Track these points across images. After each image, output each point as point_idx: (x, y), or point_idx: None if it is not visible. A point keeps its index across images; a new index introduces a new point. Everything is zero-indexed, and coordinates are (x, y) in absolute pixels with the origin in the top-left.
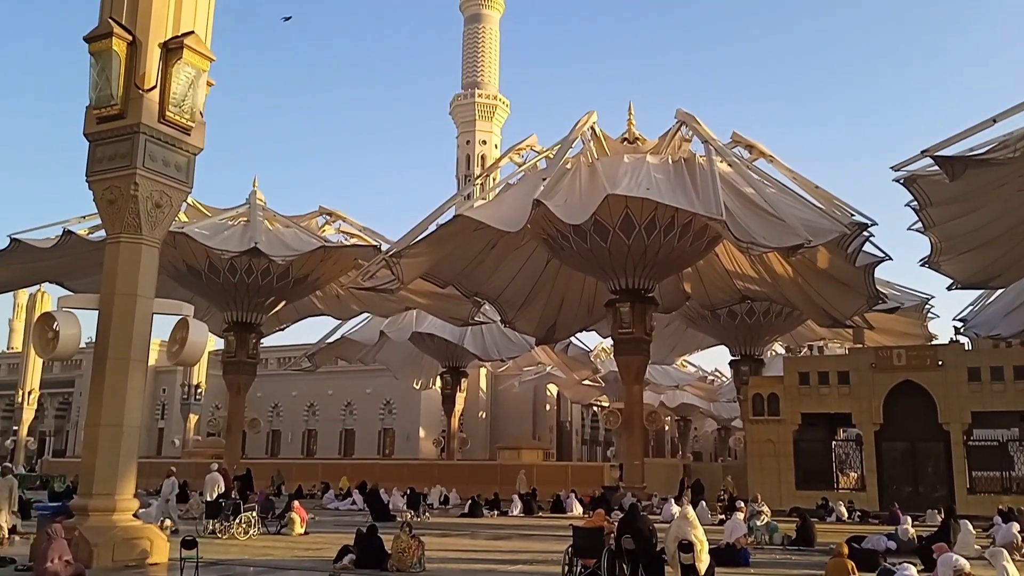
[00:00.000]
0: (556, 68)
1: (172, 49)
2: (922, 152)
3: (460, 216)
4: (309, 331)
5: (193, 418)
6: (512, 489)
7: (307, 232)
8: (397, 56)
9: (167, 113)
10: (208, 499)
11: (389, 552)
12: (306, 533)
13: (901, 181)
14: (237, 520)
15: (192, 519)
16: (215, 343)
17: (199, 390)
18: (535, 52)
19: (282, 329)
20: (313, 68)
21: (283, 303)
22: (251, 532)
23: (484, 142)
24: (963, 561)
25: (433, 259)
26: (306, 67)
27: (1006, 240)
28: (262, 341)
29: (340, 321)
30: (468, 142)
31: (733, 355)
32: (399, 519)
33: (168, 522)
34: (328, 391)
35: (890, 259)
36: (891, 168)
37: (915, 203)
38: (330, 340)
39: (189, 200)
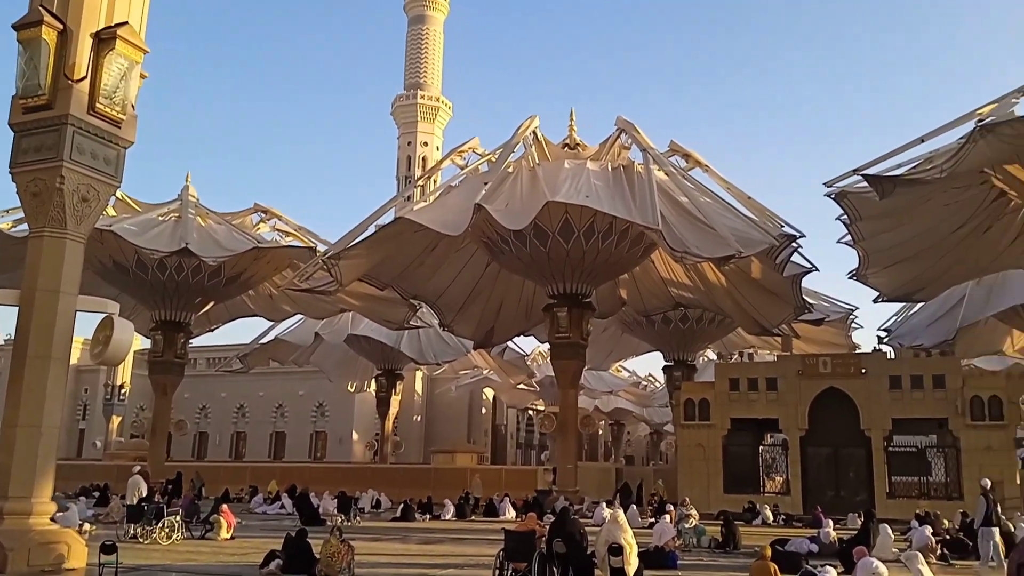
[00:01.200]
0: (499, 72)
1: (104, 40)
2: (854, 171)
3: (401, 218)
4: (241, 331)
5: (116, 419)
6: (446, 493)
7: (241, 231)
8: (339, 54)
9: (97, 105)
10: (130, 503)
11: (318, 557)
12: (232, 538)
13: (832, 196)
14: (160, 524)
15: (113, 523)
16: (141, 342)
17: (123, 390)
18: (478, 55)
19: (212, 330)
20: (253, 63)
21: (213, 303)
22: (174, 537)
23: (426, 144)
24: (881, 567)
25: (372, 261)
26: (246, 62)
27: (930, 254)
28: (191, 341)
29: (273, 322)
30: (409, 143)
31: (667, 361)
32: (329, 523)
33: (88, 526)
34: (259, 393)
35: (817, 270)
36: (824, 184)
37: (845, 217)
38: (263, 341)
39: (118, 195)
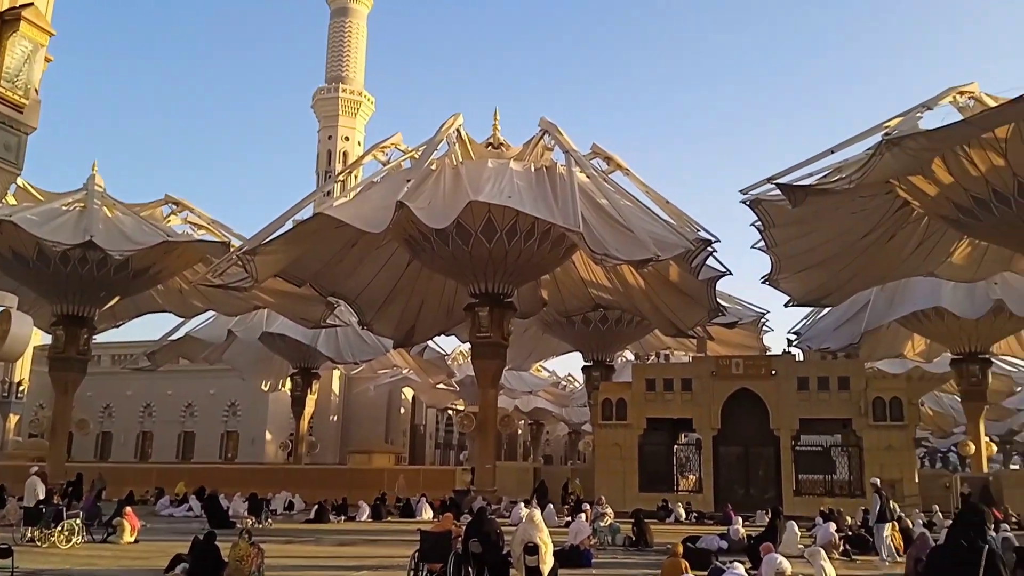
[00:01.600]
0: (423, 68)
1: (7, 21)
2: (768, 179)
3: (321, 214)
4: (148, 328)
5: (13, 418)
6: (361, 495)
7: (150, 223)
8: (260, 44)
9: None
10: (27, 505)
11: (226, 560)
12: (137, 541)
13: (747, 203)
14: (59, 527)
15: (9, 526)
16: (41, 337)
17: (21, 388)
18: (402, 51)
19: (117, 325)
20: (168, 49)
21: (118, 298)
22: (75, 540)
23: (347, 138)
24: (785, 563)
25: (290, 257)
26: (161, 48)
27: (838, 260)
28: (95, 337)
29: (183, 319)
30: (330, 137)
31: (586, 361)
32: (239, 526)
33: None
34: (167, 391)
35: (730, 274)
36: (740, 191)
37: (759, 223)
38: (173, 337)
39: (19, 182)
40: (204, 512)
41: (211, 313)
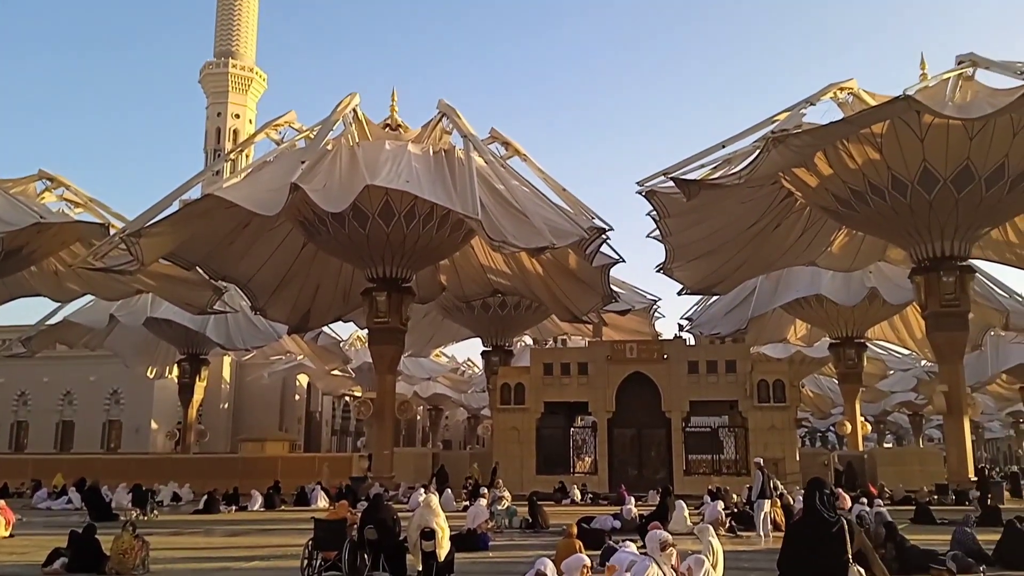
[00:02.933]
0: (318, 46)
1: None
2: (663, 173)
3: (211, 195)
4: (21, 311)
5: None
6: (254, 484)
7: (22, 200)
8: (145, 15)
9: None
10: None
11: (108, 554)
12: (12, 536)
13: (643, 193)
14: None
15: None
16: None
17: None
18: (297, 26)
19: None
20: (47, 17)
21: None
22: None
23: (237, 116)
24: (666, 535)
25: (178, 239)
26: (39, 16)
27: (728, 249)
28: None
29: (60, 303)
30: (219, 114)
31: (485, 346)
32: (123, 518)
33: None
34: (43, 378)
35: (623, 261)
36: (636, 183)
37: (655, 213)
38: (50, 322)
39: None
40: (85, 504)
41: (90, 297)
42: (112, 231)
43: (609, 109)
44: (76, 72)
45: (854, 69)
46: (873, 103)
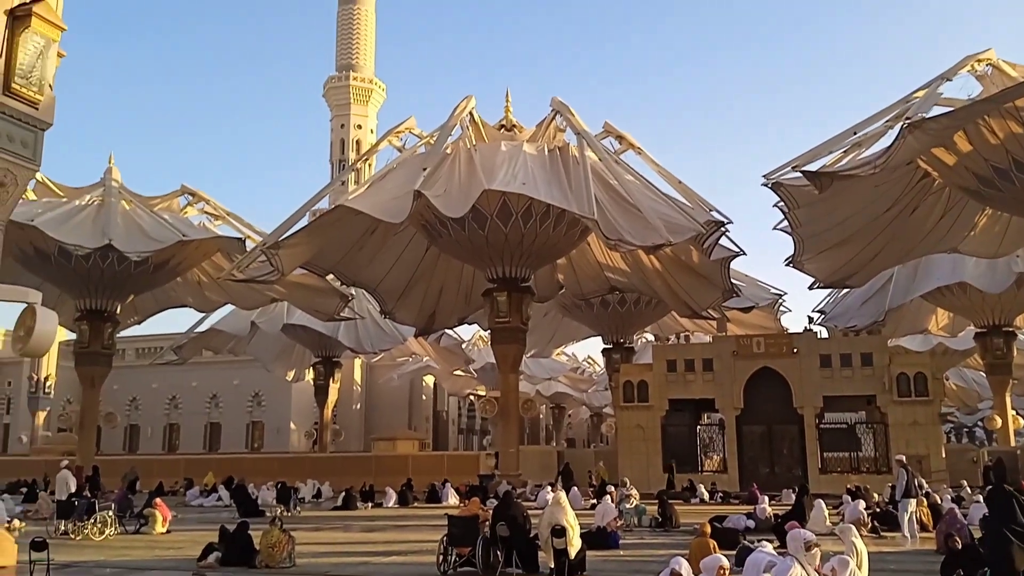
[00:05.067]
0: (433, 52)
1: (19, 17)
2: (792, 166)
3: (341, 206)
4: (170, 320)
5: (42, 413)
6: (387, 481)
7: (166, 219)
8: (269, 34)
9: (13, 85)
10: (59, 498)
11: (258, 548)
12: (168, 532)
13: (768, 185)
14: (91, 520)
15: (42, 519)
16: (66, 333)
17: (48, 383)
18: (412, 35)
19: (139, 322)
20: (180, 41)
21: (132, 296)
22: (107, 532)
23: (359, 126)
24: (810, 535)
25: (313, 249)
26: (172, 40)
27: (861, 237)
28: (119, 331)
29: (204, 313)
30: (343, 126)
31: (606, 344)
32: (268, 514)
33: (17, 523)
34: (192, 383)
35: (744, 254)
36: (763, 176)
37: (782, 204)
38: (198, 330)
39: (38, 177)
40: (233, 501)
41: (231, 306)
42: (248, 243)
43: (729, 97)
44: (215, 94)
45: (990, 39)
46: (1014, 74)
